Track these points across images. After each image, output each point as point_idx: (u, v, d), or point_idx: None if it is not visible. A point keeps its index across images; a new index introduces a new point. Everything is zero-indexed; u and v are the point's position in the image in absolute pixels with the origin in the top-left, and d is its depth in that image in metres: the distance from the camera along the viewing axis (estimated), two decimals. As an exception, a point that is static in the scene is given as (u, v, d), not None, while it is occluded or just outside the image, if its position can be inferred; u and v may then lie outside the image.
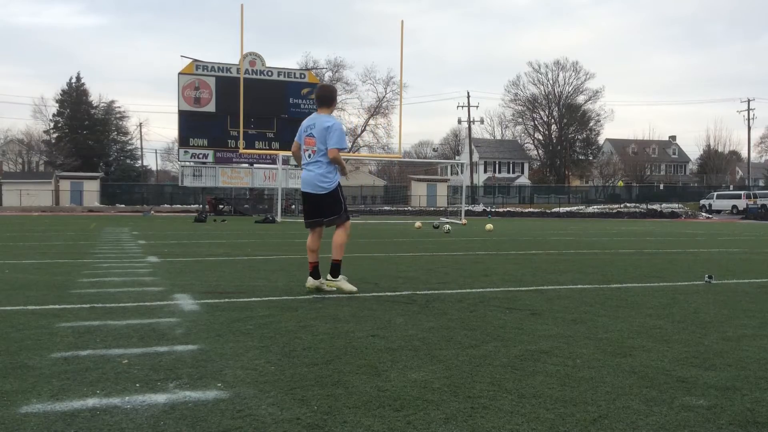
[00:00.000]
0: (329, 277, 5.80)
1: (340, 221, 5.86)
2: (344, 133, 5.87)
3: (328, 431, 2.36)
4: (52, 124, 63.29)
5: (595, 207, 50.58)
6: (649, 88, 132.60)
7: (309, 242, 5.88)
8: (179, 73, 36.52)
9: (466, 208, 35.11)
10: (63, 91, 61.81)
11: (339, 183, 5.87)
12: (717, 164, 77.35)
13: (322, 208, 5.83)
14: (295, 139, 6.06)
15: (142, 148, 70.18)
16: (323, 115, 5.89)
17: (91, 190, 50.40)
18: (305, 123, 5.96)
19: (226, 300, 5.26)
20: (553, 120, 79.45)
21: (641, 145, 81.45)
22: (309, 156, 5.83)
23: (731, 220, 41.85)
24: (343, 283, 5.78)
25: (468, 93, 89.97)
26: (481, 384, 2.95)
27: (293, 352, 3.51)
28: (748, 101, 67.22)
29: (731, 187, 64.37)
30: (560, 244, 13.39)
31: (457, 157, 78.41)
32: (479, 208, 49.82)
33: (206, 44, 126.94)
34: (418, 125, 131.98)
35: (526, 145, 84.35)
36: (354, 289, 5.76)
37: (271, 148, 38.05)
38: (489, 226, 19.84)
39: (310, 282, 5.76)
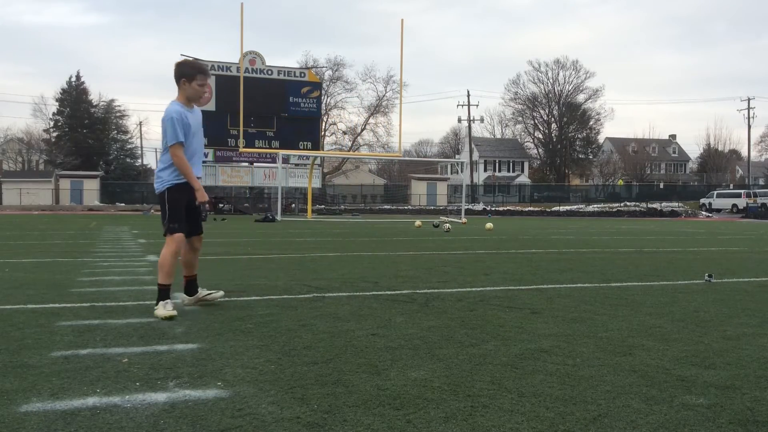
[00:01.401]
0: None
1: (166, 233, 4.73)
2: (175, 121, 4.58)
3: (328, 430, 2.36)
4: (51, 123, 63.16)
5: (595, 206, 50.53)
6: (649, 86, 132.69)
7: (182, 252, 4.90)
8: (179, 72, 36.47)
9: (466, 207, 35.10)
10: (63, 89, 61.65)
11: (173, 185, 4.68)
12: (717, 163, 77.32)
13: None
14: None
15: (142, 147, 70.16)
16: (170, 102, 4.77)
17: (91, 188, 50.38)
18: None
19: (226, 299, 5.26)
20: (553, 119, 79.37)
21: (641, 143, 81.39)
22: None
23: (731, 218, 41.86)
24: (159, 310, 4.50)
25: (468, 92, 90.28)
26: (481, 383, 2.95)
27: (293, 351, 3.51)
28: (749, 100, 67.21)
29: (731, 185, 64.31)
30: (560, 243, 13.39)
31: (457, 156, 78.37)
32: (479, 207, 49.81)
33: (206, 43, 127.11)
34: (418, 124, 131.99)
35: (526, 144, 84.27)
36: (173, 313, 4.46)
37: (271, 147, 38.10)
38: (489, 225, 19.81)
39: (186, 300, 4.94)
